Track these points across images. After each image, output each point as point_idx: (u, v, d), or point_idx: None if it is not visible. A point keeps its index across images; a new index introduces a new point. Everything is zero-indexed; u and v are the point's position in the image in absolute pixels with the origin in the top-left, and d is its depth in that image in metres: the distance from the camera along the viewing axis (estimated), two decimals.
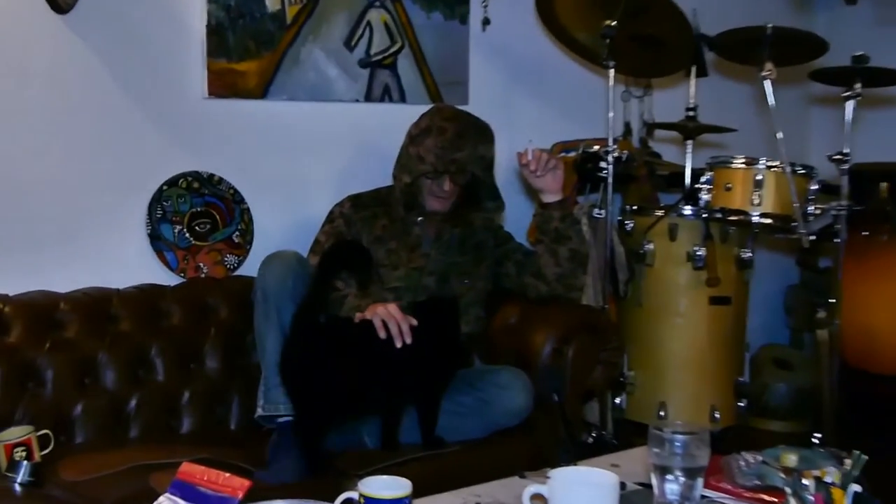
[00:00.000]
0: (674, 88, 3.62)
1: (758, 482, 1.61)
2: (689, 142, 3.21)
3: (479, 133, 2.59)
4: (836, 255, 2.87)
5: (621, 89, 3.54)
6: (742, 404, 3.24)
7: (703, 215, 2.98)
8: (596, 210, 2.98)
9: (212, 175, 2.77)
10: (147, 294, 2.59)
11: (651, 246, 3.12)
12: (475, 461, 2.23)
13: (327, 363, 2.18)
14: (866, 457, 1.53)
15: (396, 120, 2.77)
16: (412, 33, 3.07)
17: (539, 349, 2.57)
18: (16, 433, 2.18)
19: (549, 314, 2.64)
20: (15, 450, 2.14)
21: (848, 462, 1.54)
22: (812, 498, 1.44)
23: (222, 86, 2.74)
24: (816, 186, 2.84)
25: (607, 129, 2.92)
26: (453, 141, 2.53)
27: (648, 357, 3.17)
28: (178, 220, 2.71)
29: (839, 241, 2.81)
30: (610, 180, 2.91)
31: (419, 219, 2.65)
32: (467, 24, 3.18)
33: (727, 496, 1.60)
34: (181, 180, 2.72)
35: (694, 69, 3.25)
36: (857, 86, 2.74)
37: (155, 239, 2.68)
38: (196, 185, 2.74)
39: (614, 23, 2.82)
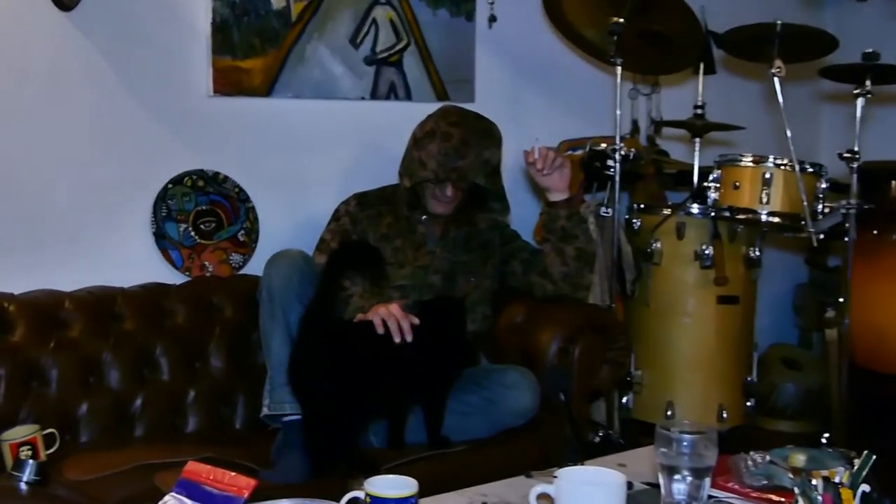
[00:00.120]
0: (682, 86, 3.60)
1: (766, 482, 1.60)
2: (697, 140, 3.19)
3: (485, 137, 2.57)
4: (846, 253, 2.85)
5: (629, 87, 3.52)
6: (750, 404, 3.23)
7: (711, 214, 2.98)
8: (603, 208, 2.97)
9: (217, 173, 2.77)
10: (152, 293, 2.58)
11: (658, 245, 3.12)
12: (481, 461, 2.22)
13: (335, 364, 2.18)
14: (875, 457, 1.51)
15: (402, 118, 2.76)
16: (418, 30, 3.06)
17: (545, 348, 2.56)
18: (21, 432, 2.18)
19: (555, 313, 2.63)
20: (20, 449, 2.15)
21: (857, 462, 1.52)
22: (821, 498, 1.43)
23: (227, 83, 2.74)
24: (826, 185, 2.83)
25: (614, 126, 2.91)
26: (457, 148, 2.51)
27: (656, 356, 3.16)
28: (183, 219, 2.70)
29: (848, 239, 2.79)
30: (617, 178, 2.90)
31: (423, 217, 2.64)
32: (473, 21, 3.17)
33: (735, 496, 1.60)
34: (186, 178, 2.72)
35: (702, 66, 3.23)
36: (868, 83, 2.72)
37: (160, 237, 2.68)
38: (201, 183, 2.74)
39: (622, 19, 2.81)
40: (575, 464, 1.67)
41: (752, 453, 1.66)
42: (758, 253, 3.15)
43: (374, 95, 3.00)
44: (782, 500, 1.56)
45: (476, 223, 2.71)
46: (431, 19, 3.08)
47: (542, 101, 3.38)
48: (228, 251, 2.77)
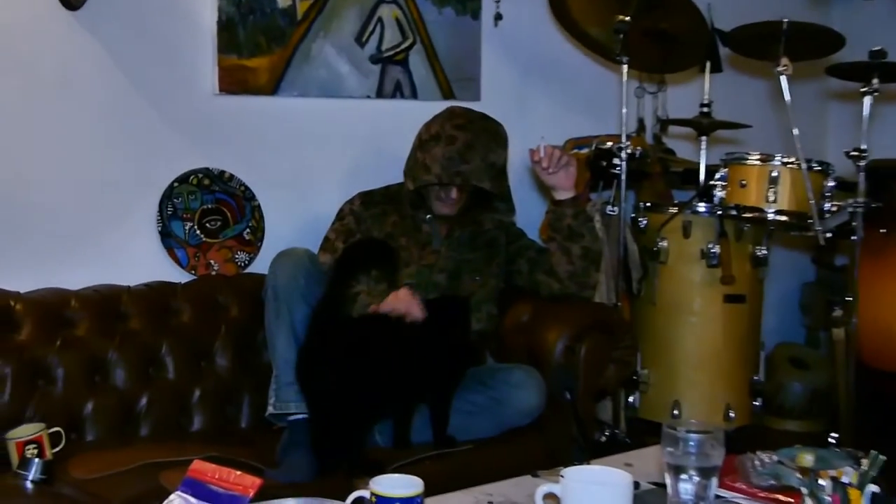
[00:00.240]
0: (688, 84, 3.59)
1: (773, 482, 1.60)
2: (704, 138, 3.18)
3: (491, 139, 2.56)
4: (853, 252, 2.84)
5: (635, 85, 3.52)
6: (757, 403, 3.23)
7: (718, 212, 2.96)
8: (609, 207, 2.97)
9: (222, 172, 2.77)
10: (157, 292, 2.58)
11: (665, 243, 3.10)
12: (487, 460, 2.22)
13: (343, 363, 2.17)
14: (884, 457, 1.51)
15: (408, 116, 2.76)
16: (424, 29, 3.06)
17: (551, 347, 2.55)
18: (27, 431, 2.18)
19: (561, 312, 2.63)
20: (27, 447, 2.15)
21: (865, 462, 1.51)
22: (829, 499, 1.42)
23: (233, 82, 2.74)
24: (833, 183, 2.82)
25: (620, 125, 2.91)
26: (461, 152, 2.50)
27: (662, 355, 3.15)
28: (189, 217, 2.70)
29: (856, 238, 2.78)
30: (623, 177, 2.90)
31: (428, 217, 2.64)
32: (479, 19, 3.16)
33: (742, 496, 1.59)
34: (192, 177, 2.72)
35: (708, 65, 3.22)
36: (875, 81, 2.71)
37: (165, 236, 2.68)
38: (206, 181, 2.74)
39: (628, 18, 2.80)
40: (581, 463, 1.66)
41: (759, 453, 1.65)
42: (764, 251, 3.14)
43: (379, 94, 3.00)
44: (790, 500, 1.55)
45: (481, 222, 2.71)
46: (437, 18, 3.08)
47: (547, 99, 3.37)
48: (234, 250, 2.77)
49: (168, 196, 2.68)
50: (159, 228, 2.67)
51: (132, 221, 2.65)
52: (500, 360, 2.68)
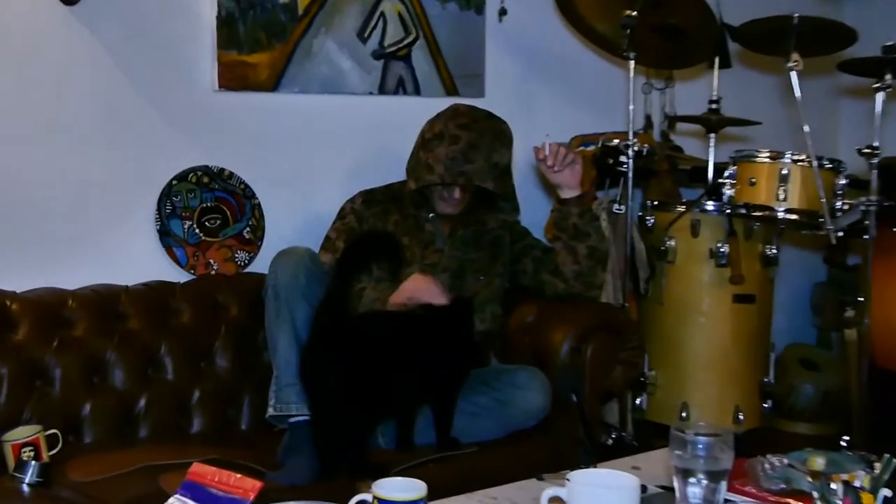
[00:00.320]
0: (696, 80, 3.58)
1: (784, 486, 1.58)
2: (712, 135, 3.17)
3: (495, 139, 2.54)
4: (865, 251, 2.83)
5: (642, 81, 3.50)
6: (767, 406, 3.21)
7: (727, 211, 2.96)
8: (616, 206, 2.97)
9: (222, 169, 2.75)
10: (156, 291, 2.57)
11: (672, 242, 3.09)
12: (491, 463, 2.21)
13: (345, 364, 2.15)
14: None
15: (411, 113, 2.75)
16: (427, 24, 3.04)
17: (557, 348, 2.54)
18: (24, 433, 2.17)
19: (567, 312, 2.61)
20: (23, 450, 2.14)
21: (878, 466, 1.50)
22: (840, 503, 1.41)
23: (233, 78, 2.72)
24: (844, 181, 2.81)
25: (627, 122, 2.90)
26: (464, 152, 2.49)
27: (670, 356, 3.13)
28: (188, 216, 2.69)
29: (868, 237, 2.77)
30: (630, 175, 2.89)
31: (430, 216, 2.63)
32: (483, 14, 3.14)
33: (752, 500, 1.58)
34: (191, 175, 2.70)
35: (717, 60, 3.22)
36: (888, 77, 2.69)
37: (164, 235, 2.66)
38: (206, 179, 2.72)
39: (635, 12, 2.80)
40: (587, 466, 1.66)
41: (769, 456, 1.64)
42: (775, 251, 3.12)
43: (382, 90, 2.98)
44: None
45: (485, 221, 2.70)
46: (440, 12, 3.06)
47: (553, 95, 3.36)
48: (234, 249, 2.75)
49: (167, 194, 2.66)
50: (158, 227, 2.65)
51: (130, 220, 2.64)
52: (504, 361, 2.66)
